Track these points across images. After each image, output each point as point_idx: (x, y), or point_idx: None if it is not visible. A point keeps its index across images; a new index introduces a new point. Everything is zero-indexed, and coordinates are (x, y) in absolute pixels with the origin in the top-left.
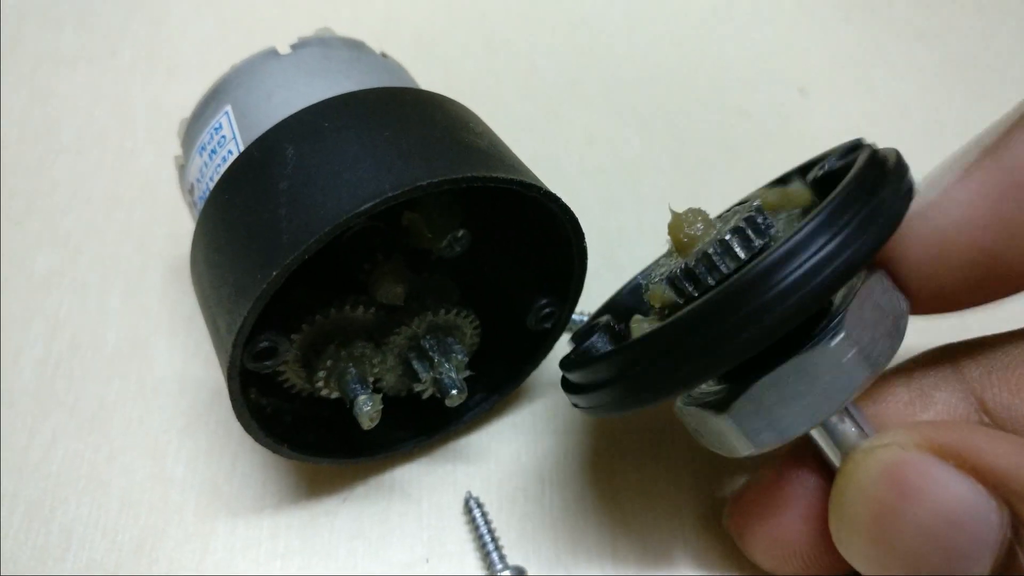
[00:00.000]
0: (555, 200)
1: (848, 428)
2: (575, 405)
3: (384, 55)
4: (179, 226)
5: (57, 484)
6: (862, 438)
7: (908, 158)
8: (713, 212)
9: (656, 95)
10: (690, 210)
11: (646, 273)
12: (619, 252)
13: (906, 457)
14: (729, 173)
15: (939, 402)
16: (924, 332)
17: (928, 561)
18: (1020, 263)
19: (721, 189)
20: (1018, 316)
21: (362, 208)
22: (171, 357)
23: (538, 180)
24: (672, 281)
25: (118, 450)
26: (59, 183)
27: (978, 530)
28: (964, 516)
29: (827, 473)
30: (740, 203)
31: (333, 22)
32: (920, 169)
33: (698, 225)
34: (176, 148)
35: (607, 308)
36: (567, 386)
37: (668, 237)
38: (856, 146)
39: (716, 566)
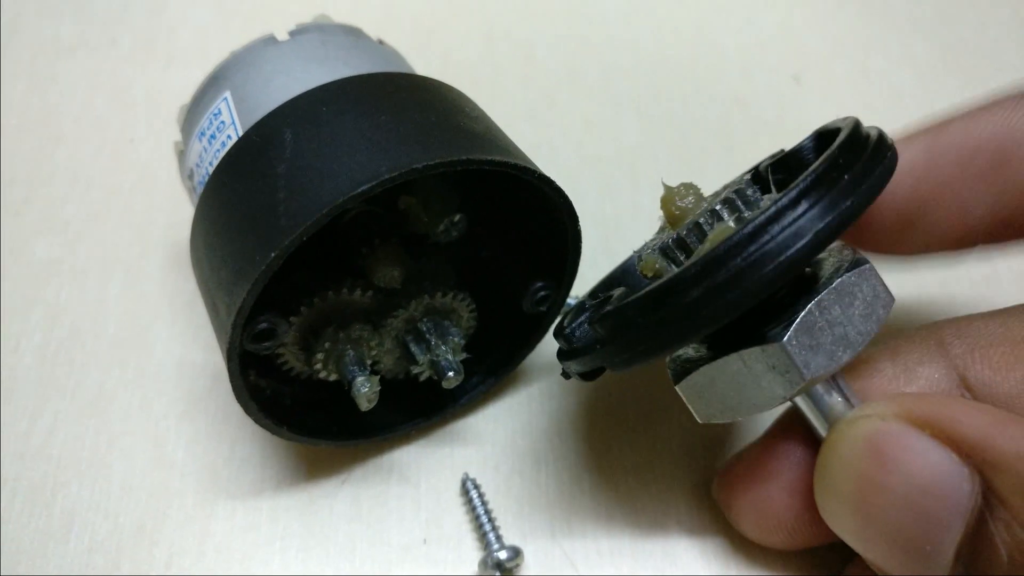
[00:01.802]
0: (549, 183)
1: (835, 400)
2: (570, 374)
3: (381, 42)
4: (178, 214)
5: (58, 468)
6: (848, 409)
7: None
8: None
9: (654, 83)
10: (682, 184)
11: (639, 251)
12: (615, 239)
13: (885, 427)
14: (725, 161)
15: (922, 377)
16: (912, 311)
17: (905, 529)
18: (944, 221)
19: (717, 176)
20: (1001, 297)
21: (358, 190)
22: (170, 343)
23: (533, 164)
24: (664, 250)
25: (118, 435)
26: (58, 171)
27: (952, 497)
28: (939, 484)
29: (814, 445)
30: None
31: (331, 10)
32: None
33: (689, 199)
34: (175, 135)
35: (600, 288)
36: (562, 353)
37: (660, 212)
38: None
39: (709, 540)
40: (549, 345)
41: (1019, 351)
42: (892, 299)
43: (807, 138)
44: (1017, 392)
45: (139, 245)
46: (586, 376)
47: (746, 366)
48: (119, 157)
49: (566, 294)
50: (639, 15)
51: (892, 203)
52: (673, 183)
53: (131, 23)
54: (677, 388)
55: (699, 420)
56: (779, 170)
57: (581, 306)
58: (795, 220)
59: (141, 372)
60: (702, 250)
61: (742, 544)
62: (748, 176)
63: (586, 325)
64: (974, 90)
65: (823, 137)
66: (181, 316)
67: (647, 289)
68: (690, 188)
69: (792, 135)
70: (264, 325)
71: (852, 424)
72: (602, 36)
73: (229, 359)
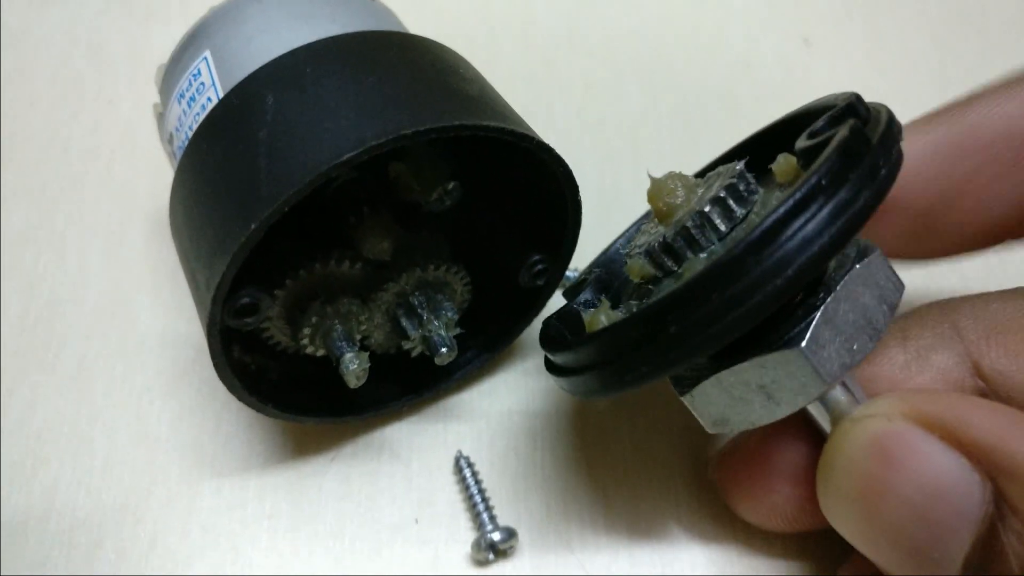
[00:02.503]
0: (548, 150)
1: (839, 395)
2: (563, 389)
3: None
4: (161, 179)
5: (38, 443)
6: (853, 405)
7: (915, 111)
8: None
9: (657, 45)
10: (670, 175)
11: (628, 236)
12: (615, 208)
13: (892, 428)
14: (731, 125)
15: (935, 366)
16: (920, 288)
17: (910, 534)
18: (965, 221)
19: (722, 142)
20: (1018, 276)
21: (343, 158)
22: (153, 314)
23: (530, 129)
24: (651, 255)
25: (100, 409)
26: (33, 133)
27: (960, 504)
28: (947, 489)
29: (816, 437)
30: (725, 156)
31: None
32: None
33: (678, 192)
34: (156, 96)
35: (598, 264)
36: (551, 367)
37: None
38: (851, 107)
39: (709, 526)
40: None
41: None
42: (902, 285)
43: (806, 105)
44: None
45: (120, 211)
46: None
47: (761, 374)
48: (98, 119)
49: (564, 267)
50: None
51: (910, 203)
52: (678, 158)
53: None
54: (683, 399)
55: (708, 431)
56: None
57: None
58: (797, 231)
59: (124, 344)
60: (683, 275)
61: (741, 528)
62: (740, 166)
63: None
64: (987, 54)
65: (825, 111)
66: (165, 286)
67: (641, 311)
68: (678, 179)
69: (799, 98)
70: (246, 300)
71: (858, 423)
72: None
73: (210, 335)
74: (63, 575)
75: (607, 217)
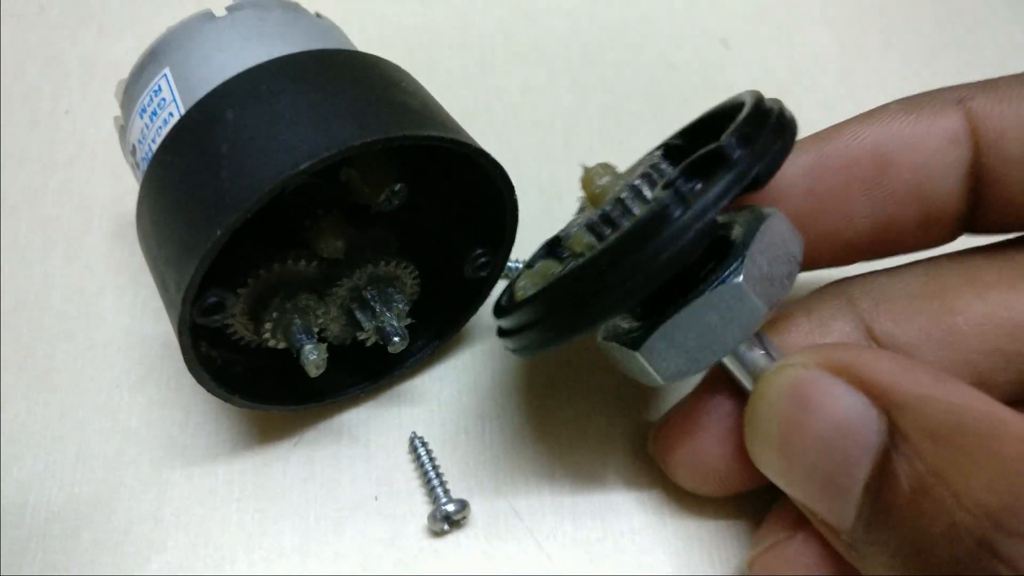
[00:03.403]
0: (485, 156)
1: (758, 355)
2: (510, 349)
3: (319, 15)
4: (120, 186)
5: (9, 442)
6: (770, 363)
7: (825, 105)
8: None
9: (586, 48)
10: (599, 164)
11: (565, 225)
12: (553, 202)
13: (806, 375)
14: (657, 124)
15: (835, 331)
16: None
17: (823, 465)
18: (831, 235)
19: (649, 140)
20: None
21: (299, 168)
22: (119, 315)
23: (469, 137)
24: (591, 227)
25: (70, 407)
26: None
27: (862, 436)
28: (852, 424)
29: (740, 398)
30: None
31: None
32: (834, 117)
33: (607, 177)
34: (113, 107)
35: (544, 249)
36: (501, 332)
37: (581, 193)
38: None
39: (644, 488)
40: (491, 308)
41: (916, 304)
42: (801, 238)
43: (719, 104)
44: (916, 341)
45: (81, 218)
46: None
47: (705, 316)
48: (55, 129)
49: (505, 259)
50: None
51: (785, 208)
52: (608, 156)
53: None
54: (638, 353)
55: (662, 381)
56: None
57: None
58: (704, 192)
59: (90, 344)
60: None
61: (675, 491)
62: (659, 152)
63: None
64: (890, 51)
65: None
66: (128, 288)
67: (582, 262)
68: (607, 168)
69: (719, 98)
70: (213, 299)
71: (778, 372)
72: (535, 1)
73: (180, 333)
74: (39, 567)
75: (546, 209)
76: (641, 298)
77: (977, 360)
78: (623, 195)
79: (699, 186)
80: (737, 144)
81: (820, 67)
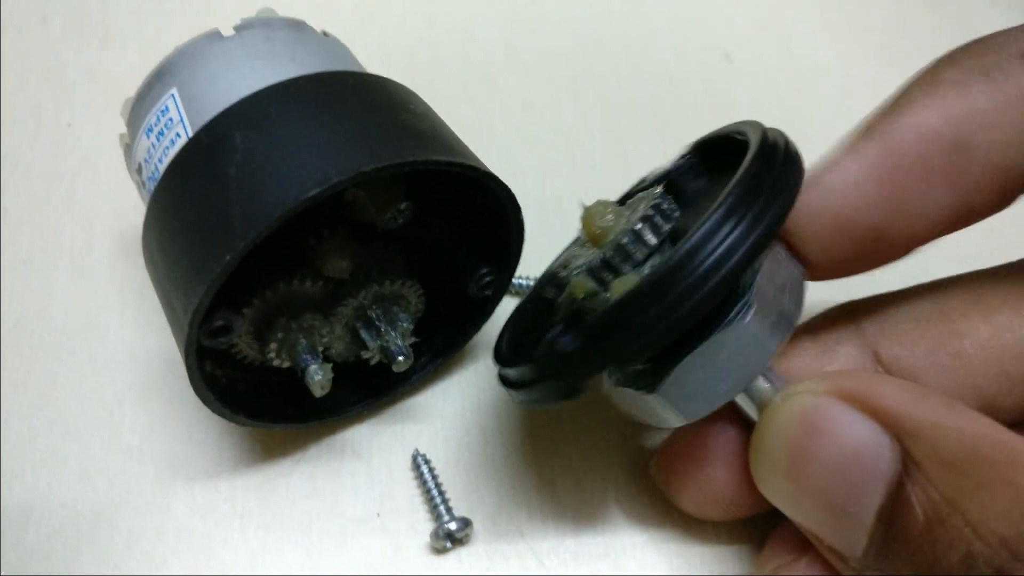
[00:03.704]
0: (494, 179)
1: (762, 385)
2: (520, 402)
3: (326, 33)
4: (124, 200)
5: (12, 459)
6: (774, 392)
7: (827, 119)
8: (640, 177)
9: (589, 63)
10: (599, 202)
11: (562, 261)
12: (554, 217)
13: (816, 402)
14: (659, 139)
15: (841, 356)
16: (828, 290)
17: (833, 493)
18: (901, 235)
19: (651, 155)
20: (908, 274)
21: (309, 195)
22: (122, 331)
23: (477, 159)
24: (592, 272)
25: (73, 423)
26: None
27: (874, 464)
28: (863, 452)
29: (744, 425)
30: (640, 183)
31: None
32: (836, 128)
33: (608, 216)
34: (116, 120)
35: (544, 280)
36: (508, 383)
37: (580, 228)
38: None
39: (646, 507)
40: (494, 324)
41: (922, 328)
42: (803, 269)
43: (717, 131)
44: (922, 364)
45: (84, 232)
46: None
47: (712, 358)
48: (58, 142)
49: (510, 279)
50: None
51: (857, 226)
52: (610, 171)
53: (61, 1)
54: (655, 396)
55: (677, 423)
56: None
57: (516, 332)
58: (725, 238)
59: (93, 360)
60: (617, 289)
61: (677, 512)
62: (659, 190)
63: (556, 341)
64: (890, 66)
65: (705, 147)
66: (131, 303)
67: (600, 315)
68: (607, 205)
69: (722, 112)
70: (220, 322)
71: (787, 399)
72: (538, 16)
73: (187, 355)
74: None
75: (547, 225)
76: (667, 343)
77: (983, 383)
78: (624, 240)
79: (729, 228)
80: (753, 190)
81: (822, 81)
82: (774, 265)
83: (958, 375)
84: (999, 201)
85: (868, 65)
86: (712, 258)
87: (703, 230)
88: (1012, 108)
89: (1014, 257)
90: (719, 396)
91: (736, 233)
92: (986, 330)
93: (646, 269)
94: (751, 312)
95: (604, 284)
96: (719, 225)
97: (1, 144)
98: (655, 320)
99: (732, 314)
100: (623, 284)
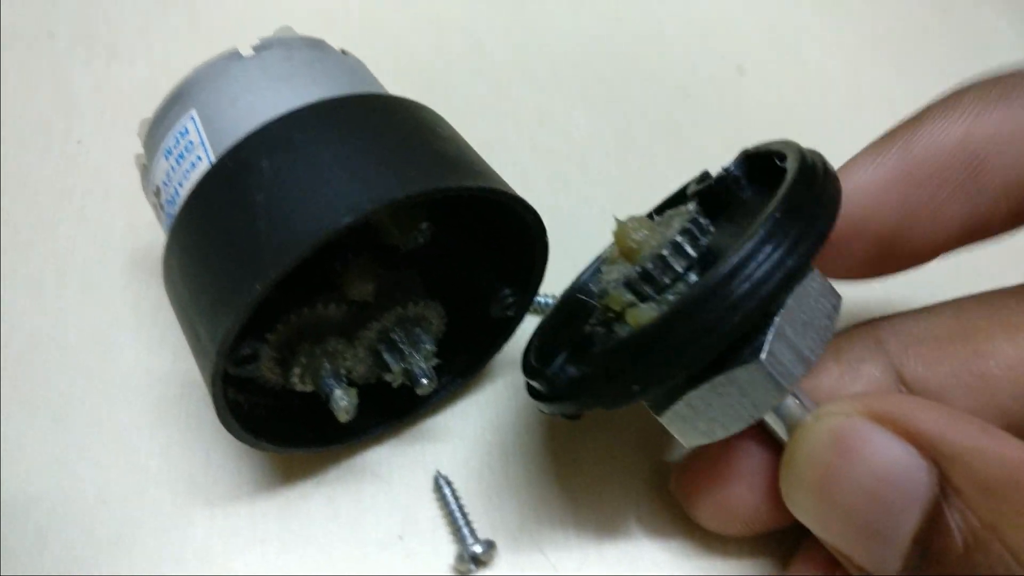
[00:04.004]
0: (521, 203)
1: (791, 404)
2: (553, 413)
3: (344, 52)
4: (137, 218)
5: (27, 483)
6: (804, 411)
7: (839, 131)
8: (653, 190)
9: (602, 76)
10: (632, 218)
11: (590, 277)
12: (568, 230)
13: (849, 423)
14: (672, 152)
15: (864, 375)
16: (850, 305)
17: (866, 514)
18: (915, 241)
19: (665, 168)
20: (931, 291)
21: (342, 224)
22: (136, 351)
23: (505, 183)
24: (630, 285)
25: (88, 446)
26: (3, 175)
27: (909, 487)
28: (897, 474)
29: (767, 441)
30: (668, 200)
31: (282, 1)
32: (846, 140)
33: (643, 231)
34: (126, 137)
35: (568, 297)
36: (542, 396)
37: (613, 243)
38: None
39: (668, 525)
40: (514, 343)
41: (944, 348)
42: (839, 297)
43: (734, 161)
44: (947, 385)
45: (96, 251)
46: (572, 416)
47: (727, 390)
48: (67, 159)
49: (532, 298)
50: (585, 6)
51: (873, 231)
52: (624, 184)
53: (67, 14)
54: (660, 419)
55: (686, 445)
56: (713, 189)
57: (544, 344)
58: (767, 259)
59: (107, 381)
60: (631, 320)
61: (699, 529)
62: (692, 206)
63: (565, 368)
64: (901, 77)
65: (751, 159)
66: (145, 323)
67: (635, 333)
68: (641, 221)
69: (736, 124)
70: (247, 351)
71: (819, 419)
72: (550, 29)
73: (213, 384)
74: None
75: (562, 241)
76: (703, 363)
77: (1008, 405)
78: (665, 252)
79: (768, 251)
80: (794, 205)
81: (833, 92)
82: (802, 300)
83: (983, 396)
84: (1011, 219)
85: (878, 76)
86: (746, 284)
87: (740, 255)
88: None
89: None
90: (718, 432)
91: (773, 259)
92: (1011, 350)
93: (670, 296)
94: (762, 355)
95: (643, 297)
96: (757, 250)
97: (10, 161)
98: (670, 353)
99: (744, 355)
100: (637, 315)
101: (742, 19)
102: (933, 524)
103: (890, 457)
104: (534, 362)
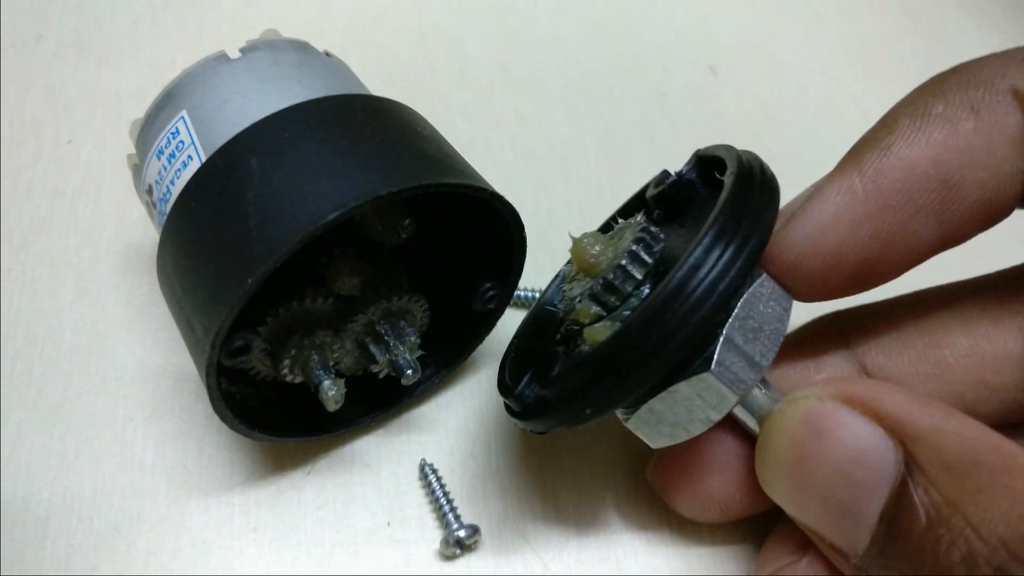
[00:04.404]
0: (499, 199)
1: (758, 395)
2: (532, 431)
3: (328, 54)
4: (128, 216)
5: (27, 477)
6: (772, 400)
7: (810, 132)
8: (631, 189)
9: (581, 79)
10: (586, 235)
11: (554, 294)
12: (549, 230)
13: (821, 407)
14: (649, 152)
15: (829, 365)
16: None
17: (837, 493)
18: (886, 266)
19: (641, 167)
20: (893, 284)
21: (328, 219)
22: (131, 347)
23: (483, 180)
24: (595, 297)
25: (85, 440)
26: None
27: (878, 466)
28: (867, 454)
29: (741, 433)
30: (627, 204)
31: (267, 6)
32: (819, 140)
33: (598, 246)
34: (116, 137)
35: (531, 320)
36: (516, 415)
37: (571, 261)
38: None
39: (645, 512)
40: (496, 337)
41: (905, 339)
42: (790, 297)
43: (687, 164)
44: (906, 373)
45: (89, 249)
46: (540, 432)
47: (684, 397)
48: (59, 160)
49: (512, 292)
50: (564, 12)
51: (850, 258)
52: (603, 184)
53: (57, 17)
54: (627, 425)
55: (652, 447)
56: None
57: (517, 358)
58: (715, 265)
59: (103, 377)
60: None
61: (675, 516)
62: (640, 217)
63: (531, 386)
64: (870, 80)
65: (703, 161)
66: (139, 320)
67: (595, 351)
68: (595, 236)
69: (710, 125)
70: (240, 342)
71: (792, 403)
72: (531, 33)
73: (208, 375)
74: None
75: (543, 240)
76: (667, 368)
77: (963, 391)
78: (623, 261)
79: (716, 256)
80: (738, 209)
81: (805, 95)
82: (751, 306)
83: (940, 384)
84: (982, 228)
85: (851, 81)
86: (700, 289)
87: (691, 261)
88: (998, 146)
89: (992, 268)
90: (681, 435)
91: (723, 261)
92: (965, 341)
93: (631, 306)
94: (712, 366)
95: (608, 306)
96: (691, 273)
97: (3, 163)
98: (633, 366)
99: (695, 366)
100: (594, 334)
101: (716, 24)
102: (898, 501)
103: (861, 438)
104: (507, 379)
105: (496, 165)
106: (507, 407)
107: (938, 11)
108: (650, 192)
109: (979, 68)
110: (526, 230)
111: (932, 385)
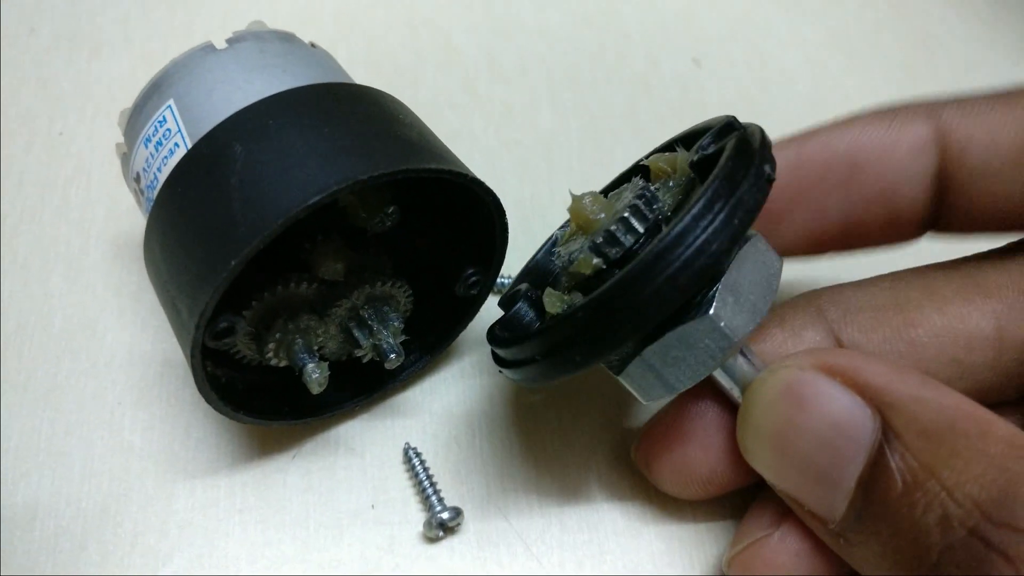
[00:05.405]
0: (480, 185)
1: (742, 363)
2: (519, 380)
3: (313, 45)
4: (117, 205)
5: (16, 459)
6: (753, 371)
7: (793, 123)
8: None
9: (566, 69)
10: (586, 194)
11: (550, 249)
12: (533, 219)
13: (803, 376)
14: (633, 142)
15: (806, 340)
16: (796, 276)
17: (817, 460)
18: (804, 227)
19: (626, 158)
20: (868, 266)
21: (310, 202)
22: (119, 333)
23: (464, 166)
24: (596, 248)
25: (74, 424)
26: None
27: (856, 434)
28: (847, 422)
29: (722, 404)
30: (621, 177)
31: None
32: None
33: (597, 206)
34: (107, 129)
35: (524, 275)
36: (498, 361)
37: (566, 225)
38: (729, 126)
39: (627, 493)
40: (479, 321)
41: (880, 316)
42: (781, 260)
43: (712, 132)
44: (880, 350)
45: (79, 238)
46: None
47: (680, 345)
48: (50, 151)
49: (495, 278)
50: (550, 2)
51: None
52: (586, 173)
53: (50, 10)
54: (619, 378)
55: (644, 401)
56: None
57: (509, 315)
58: (710, 224)
59: (92, 362)
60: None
61: (656, 495)
62: (639, 179)
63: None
64: (854, 72)
65: (701, 133)
66: (128, 306)
67: (598, 292)
68: (595, 196)
69: (693, 116)
70: (224, 324)
71: (774, 373)
72: (516, 23)
73: (193, 356)
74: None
75: (527, 227)
76: (654, 323)
77: (936, 369)
78: (625, 214)
79: (711, 218)
80: (733, 173)
81: (789, 86)
82: (750, 256)
83: (913, 362)
84: (888, 228)
85: (834, 72)
86: (691, 249)
87: (685, 221)
88: (903, 145)
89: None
90: (678, 384)
91: (716, 222)
92: (939, 320)
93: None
94: (711, 310)
95: (608, 258)
96: (701, 216)
97: None
98: (628, 314)
99: (694, 311)
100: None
101: (700, 15)
102: (875, 467)
103: (840, 406)
104: (497, 329)
105: (481, 154)
106: (495, 356)
107: (922, 1)
108: (693, 157)
109: (915, 101)
110: (509, 217)
111: (906, 363)
